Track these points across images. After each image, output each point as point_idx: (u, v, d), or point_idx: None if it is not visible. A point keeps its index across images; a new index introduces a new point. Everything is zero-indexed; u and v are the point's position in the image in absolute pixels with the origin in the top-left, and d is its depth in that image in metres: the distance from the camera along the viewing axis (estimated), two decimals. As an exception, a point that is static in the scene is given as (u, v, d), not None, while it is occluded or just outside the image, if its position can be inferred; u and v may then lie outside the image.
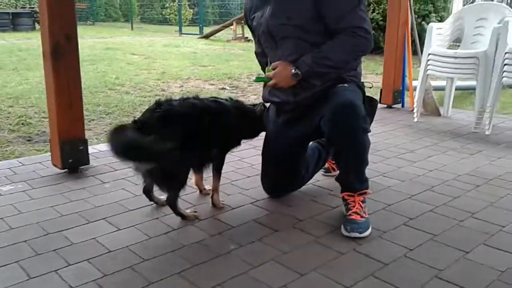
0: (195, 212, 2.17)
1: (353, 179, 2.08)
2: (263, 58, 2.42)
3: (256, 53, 2.51)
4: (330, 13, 2.02)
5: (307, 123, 2.20)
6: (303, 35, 2.08)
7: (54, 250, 1.82)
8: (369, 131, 2.04)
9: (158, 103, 2.03)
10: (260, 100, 2.40)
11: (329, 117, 2.00)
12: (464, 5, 13.58)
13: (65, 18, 2.55)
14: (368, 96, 2.26)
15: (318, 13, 2.02)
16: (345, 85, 2.09)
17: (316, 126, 2.10)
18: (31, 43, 10.79)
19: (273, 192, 2.39)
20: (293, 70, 2.07)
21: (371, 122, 2.18)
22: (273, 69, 2.14)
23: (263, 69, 2.38)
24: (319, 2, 2.01)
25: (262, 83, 2.33)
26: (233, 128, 2.21)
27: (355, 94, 2.08)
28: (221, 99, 2.26)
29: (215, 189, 2.25)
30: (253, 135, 2.41)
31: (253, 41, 2.48)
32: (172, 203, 2.08)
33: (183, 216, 2.11)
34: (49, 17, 2.51)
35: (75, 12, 2.65)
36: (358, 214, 2.02)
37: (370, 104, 2.27)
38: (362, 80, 2.26)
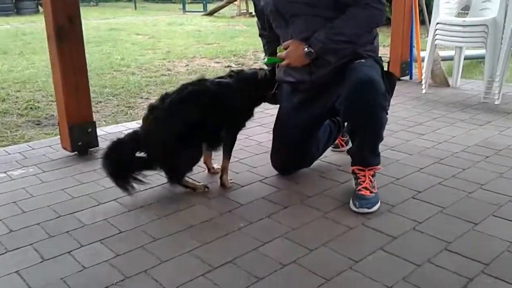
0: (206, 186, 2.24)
1: (367, 154, 2.06)
2: (268, 39, 2.39)
3: (261, 35, 2.47)
4: None
5: (322, 102, 2.18)
6: (312, 11, 2.03)
7: (67, 232, 1.85)
8: (388, 109, 2.00)
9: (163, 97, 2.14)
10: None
11: (347, 95, 1.95)
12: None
13: (67, 0, 2.53)
14: (386, 71, 2.18)
15: None
16: (362, 60, 2.04)
17: (331, 106, 2.08)
18: (35, 27, 10.76)
19: (282, 170, 2.39)
20: (306, 49, 2.02)
21: (390, 99, 2.12)
22: (285, 48, 2.09)
23: (266, 53, 2.35)
24: None
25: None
26: (239, 106, 2.21)
27: (373, 69, 2.02)
28: (222, 78, 2.24)
29: (224, 169, 2.26)
30: (260, 101, 2.35)
31: (257, 23, 2.45)
32: (178, 182, 2.14)
33: (193, 189, 2.19)
34: (52, 0, 2.49)
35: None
36: (367, 189, 2.02)
37: (389, 80, 2.17)
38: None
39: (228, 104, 2.15)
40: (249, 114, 2.29)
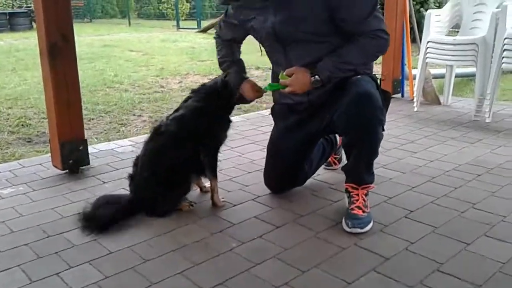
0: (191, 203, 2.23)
1: (363, 170, 2.06)
2: (223, 45, 2.36)
3: (218, 37, 2.40)
4: (348, 18, 1.96)
5: (319, 120, 2.17)
6: (315, 38, 2.01)
7: (56, 252, 1.82)
8: (384, 123, 2.01)
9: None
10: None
11: (345, 108, 1.95)
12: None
13: (61, 18, 2.53)
14: (381, 88, 2.19)
15: (331, 16, 1.96)
16: (359, 76, 2.03)
17: (328, 122, 2.09)
18: (28, 43, 10.76)
19: (275, 189, 2.38)
20: (313, 78, 1.98)
21: (385, 115, 2.14)
22: (288, 75, 2.02)
23: (227, 57, 2.34)
24: (334, 9, 1.94)
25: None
26: (209, 125, 2.14)
27: (369, 83, 2.02)
28: (185, 103, 2.21)
29: (213, 189, 2.22)
30: (231, 108, 2.26)
31: (218, 26, 2.39)
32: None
33: (179, 208, 2.20)
34: (45, 18, 2.49)
35: (71, 11, 2.63)
36: (360, 208, 2.01)
37: (384, 97, 2.15)
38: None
39: (198, 129, 2.11)
40: (223, 127, 2.21)
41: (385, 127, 2.03)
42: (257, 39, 2.22)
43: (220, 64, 2.39)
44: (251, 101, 2.31)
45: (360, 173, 2.07)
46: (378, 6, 2.01)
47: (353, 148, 2.05)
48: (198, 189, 2.40)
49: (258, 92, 2.23)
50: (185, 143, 2.10)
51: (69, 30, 2.57)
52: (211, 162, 2.18)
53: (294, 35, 2.03)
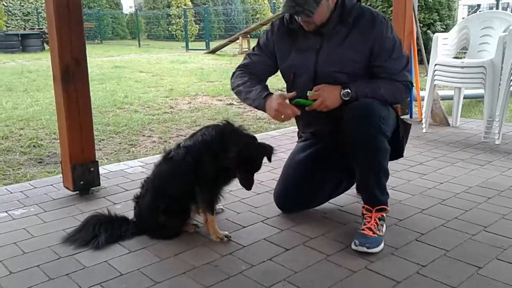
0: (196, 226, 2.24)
1: (372, 185, 2.07)
2: (254, 79, 2.28)
3: (250, 71, 2.31)
4: (385, 66, 2.11)
5: (333, 138, 2.24)
6: (349, 77, 2.12)
7: (67, 274, 1.84)
8: (386, 133, 2.04)
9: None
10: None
11: (345, 118, 2.02)
12: (469, 12, 13.60)
13: (74, 43, 2.59)
14: (402, 119, 2.31)
15: (369, 62, 2.12)
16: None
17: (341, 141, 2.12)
18: (40, 64, 10.97)
19: (285, 208, 2.40)
20: (343, 90, 2.05)
21: (404, 144, 2.32)
22: (317, 91, 2.08)
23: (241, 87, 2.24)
24: (375, 57, 2.10)
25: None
26: (210, 164, 2.07)
27: (377, 103, 2.06)
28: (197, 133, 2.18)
29: (208, 223, 2.13)
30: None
31: (247, 57, 2.38)
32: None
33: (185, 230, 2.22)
34: (59, 42, 2.55)
35: (84, 36, 2.69)
36: (371, 230, 2.02)
37: (404, 128, 2.30)
38: None
39: (201, 163, 2.08)
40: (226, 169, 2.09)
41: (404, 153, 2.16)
42: (288, 72, 2.25)
43: (244, 93, 2.24)
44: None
45: (370, 188, 2.08)
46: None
47: (356, 160, 2.07)
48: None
49: (290, 109, 2.08)
50: (186, 173, 2.08)
51: (82, 54, 2.63)
52: (204, 197, 2.11)
53: (332, 74, 2.13)
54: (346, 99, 2.06)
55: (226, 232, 2.14)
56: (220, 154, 2.02)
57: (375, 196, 2.08)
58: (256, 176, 2.94)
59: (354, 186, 2.41)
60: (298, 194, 2.35)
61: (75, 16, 2.57)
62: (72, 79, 2.60)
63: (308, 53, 2.17)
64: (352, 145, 2.06)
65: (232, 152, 1.98)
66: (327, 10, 2.08)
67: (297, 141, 2.55)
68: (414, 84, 4.49)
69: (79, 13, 2.59)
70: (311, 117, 2.20)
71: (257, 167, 2.08)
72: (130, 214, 2.40)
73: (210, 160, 2.07)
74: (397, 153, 2.28)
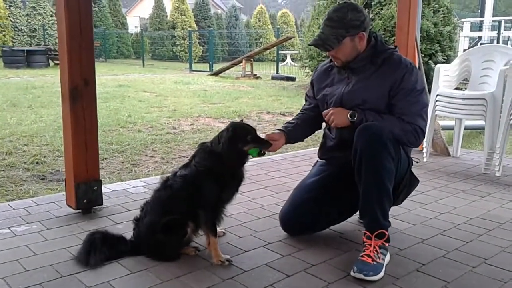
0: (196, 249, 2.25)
1: (373, 207, 2.10)
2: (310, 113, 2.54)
3: (302, 109, 2.61)
4: (398, 105, 2.22)
5: (344, 172, 2.30)
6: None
7: (68, 294, 1.84)
8: (392, 153, 2.10)
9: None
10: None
11: (356, 133, 2.13)
12: (470, 44, 13.79)
13: (84, 63, 2.65)
14: (412, 172, 2.37)
15: (389, 101, 2.24)
16: None
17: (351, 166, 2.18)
18: (45, 80, 11.06)
19: (288, 230, 2.43)
20: (351, 111, 2.23)
21: (402, 194, 2.36)
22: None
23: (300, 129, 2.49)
24: (392, 97, 2.23)
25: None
26: (210, 187, 2.14)
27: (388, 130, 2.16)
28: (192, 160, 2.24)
29: (211, 245, 2.14)
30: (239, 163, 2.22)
31: (305, 103, 2.62)
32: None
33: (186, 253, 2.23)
34: (69, 62, 2.60)
35: (94, 56, 2.74)
36: (370, 257, 2.03)
37: (410, 182, 2.36)
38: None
39: (200, 189, 2.15)
40: (227, 186, 2.19)
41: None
42: (322, 102, 2.44)
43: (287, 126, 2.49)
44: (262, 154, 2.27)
45: (372, 209, 2.11)
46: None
47: (360, 177, 2.12)
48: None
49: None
50: (186, 200, 2.14)
51: (91, 75, 2.69)
52: (207, 220, 2.15)
53: (355, 106, 2.27)
54: (353, 120, 2.20)
55: (228, 256, 2.15)
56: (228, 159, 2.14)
57: (376, 218, 2.10)
58: (258, 200, 2.99)
59: (356, 213, 2.43)
60: (303, 216, 2.39)
61: (86, 38, 2.64)
62: (80, 98, 2.65)
63: (338, 84, 2.37)
64: (358, 160, 2.12)
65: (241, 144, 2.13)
66: (352, 48, 2.26)
67: (313, 166, 2.63)
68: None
69: (90, 35, 2.66)
70: (334, 143, 2.38)
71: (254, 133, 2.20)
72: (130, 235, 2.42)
73: (210, 184, 2.14)
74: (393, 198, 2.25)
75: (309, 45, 2.41)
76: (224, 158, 2.13)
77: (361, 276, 1.95)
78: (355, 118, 2.21)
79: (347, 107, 2.27)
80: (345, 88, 2.32)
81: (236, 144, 2.13)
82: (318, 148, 2.59)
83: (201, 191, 2.13)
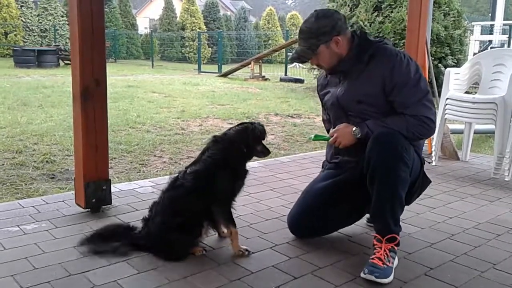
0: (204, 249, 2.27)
1: (385, 211, 2.09)
2: (328, 125, 2.53)
3: (323, 120, 2.65)
4: (397, 100, 2.18)
5: (353, 175, 2.30)
6: (373, 110, 2.23)
7: (77, 292, 1.85)
8: (408, 163, 2.09)
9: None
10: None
11: (369, 144, 2.12)
12: (480, 47, 13.70)
13: (96, 64, 2.67)
14: (424, 172, 2.36)
15: (387, 98, 2.21)
16: None
17: (361, 172, 2.17)
18: (55, 80, 11.15)
19: (296, 232, 2.43)
20: (354, 128, 2.21)
21: (414, 196, 2.36)
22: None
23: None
24: (389, 93, 2.19)
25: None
26: (223, 180, 2.19)
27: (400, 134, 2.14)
28: (203, 155, 2.26)
29: (233, 237, 2.22)
30: (250, 157, 2.31)
31: (321, 110, 2.63)
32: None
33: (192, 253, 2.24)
34: (81, 62, 2.62)
35: (105, 56, 2.76)
36: (380, 260, 2.02)
37: (423, 181, 2.35)
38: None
39: (212, 184, 2.17)
40: (239, 178, 2.25)
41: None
42: (327, 106, 2.46)
43: None
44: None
45: (383, 215, 2.10)
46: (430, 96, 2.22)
47: (373, 183, 2.10)
48: (217, 234, 2.43)
49: None
50: (199, 197, 2.16)
51: (102, 76, 2.71)
52: (224, 213, 2.21)
53: (352, 104, 2.27)
54: (358, 136, 2.20)
55: (247, 247, 2.23)
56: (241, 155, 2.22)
57: (388, 224, 2.09)
58: (265, 201, 2.99)
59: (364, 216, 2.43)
60: (311, 220, 2.38)
61: (98, 38, 2.66)
62: (92, 99, 2.67)
63: (334, 88, 2.39)
64: (372, 171, 2.10)
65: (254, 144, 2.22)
66: (331, 54, 2.25)
67: (321, 170, 2.61)
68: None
69: (102, 35, 2.68)
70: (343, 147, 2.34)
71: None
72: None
73: (226, 175, 2.18)
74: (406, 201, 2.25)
75: (290, 60, 2.47)
76: (234, 146, 2.19)
77: (372, 277, 1.95)
78: (360, 135, 2.20)
79: (345, 109, 2.29)
80: (338, 91, 2.33)
81: (250, 141, 2.21)
82: (325, 150, 2.58)
83: (216, 183, 2.16)
